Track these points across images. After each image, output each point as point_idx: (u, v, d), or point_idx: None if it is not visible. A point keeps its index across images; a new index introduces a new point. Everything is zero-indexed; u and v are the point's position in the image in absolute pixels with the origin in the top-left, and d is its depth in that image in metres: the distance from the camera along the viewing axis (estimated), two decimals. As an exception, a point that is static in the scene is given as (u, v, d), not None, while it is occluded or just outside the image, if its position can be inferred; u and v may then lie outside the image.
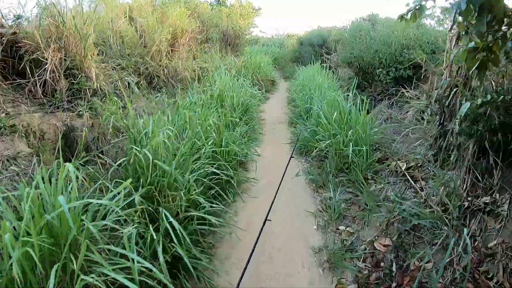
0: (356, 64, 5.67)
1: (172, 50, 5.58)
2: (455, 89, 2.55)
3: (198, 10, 6.85)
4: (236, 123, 3.67)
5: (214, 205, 2.11)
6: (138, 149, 2.07)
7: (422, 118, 3.51)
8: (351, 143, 2.91)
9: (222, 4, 11.18)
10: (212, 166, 2.50)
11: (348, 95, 4.09)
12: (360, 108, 3.45)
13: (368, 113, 3.48)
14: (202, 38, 7.27)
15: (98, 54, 4.86)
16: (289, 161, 3.64)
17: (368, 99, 3.94)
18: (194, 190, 2.00)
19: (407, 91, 4.36)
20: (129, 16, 5.72)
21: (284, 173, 3.31)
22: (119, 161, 2.12)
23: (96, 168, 2.29)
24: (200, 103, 3.35)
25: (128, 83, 4.58)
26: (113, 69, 4.68)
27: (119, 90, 4.12)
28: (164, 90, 4.87)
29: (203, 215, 1.90)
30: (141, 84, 4.85)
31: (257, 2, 24.02)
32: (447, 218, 2.26)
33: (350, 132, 3.00)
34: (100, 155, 2.62)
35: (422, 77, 4.10)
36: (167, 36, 5.22)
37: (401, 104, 4.69)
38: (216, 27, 7.75)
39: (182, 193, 1.89)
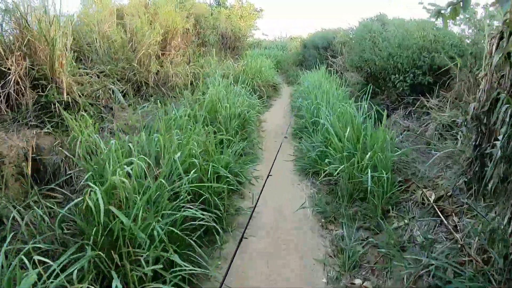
0: (366, 68, 5.13)
1: (163, 54, 5.10)
2: (506, 105, 2.01)
3: (193, 10, 6.37)
4: (229, 141, 3.16)
5: (194, 265, 1.60)
6: (94, 187, 1.59)
7: (453, 136, 2.97)
8: (369, 170, 2.37)
9: (222, 5, 10.70)
10: (195, 203, 1.99)
11: (360, 105, 3.57)
12: (378, 121, 2.92)
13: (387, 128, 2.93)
14: (198, 41, 6.80)
15: (81, 60, 4.42)
16: (291, 183, 3.14)
17: (382, 108, 3.42)
18: (165, 247, 1.49)
19: (427, 100, 3.82)
20: (119, 17, 5.26)
21: (287, 201, 2.80)
22: (70, 204, 1.63)
23: (47, 206, 1.80)
24: (185, 118, 2.83)
25: (112, 91, 4.11)
26: (97, 76, 4.21)
27: (99, 102, 3.65)
28: (152, 99, 4.39)
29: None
30: (127, 93, 4.38)
31: (258, 3, 23.43)
32: (489, 271, 1.74)
33: (367, 156, 2.46)
34: (58, 187, 2.13)
35: (446, 84, 3.56)
36: (157, 38, 4.74)
37: (418, 115, 4.15)
38: (214, 29, 7.27)
39: (146, 254, 1.39)
